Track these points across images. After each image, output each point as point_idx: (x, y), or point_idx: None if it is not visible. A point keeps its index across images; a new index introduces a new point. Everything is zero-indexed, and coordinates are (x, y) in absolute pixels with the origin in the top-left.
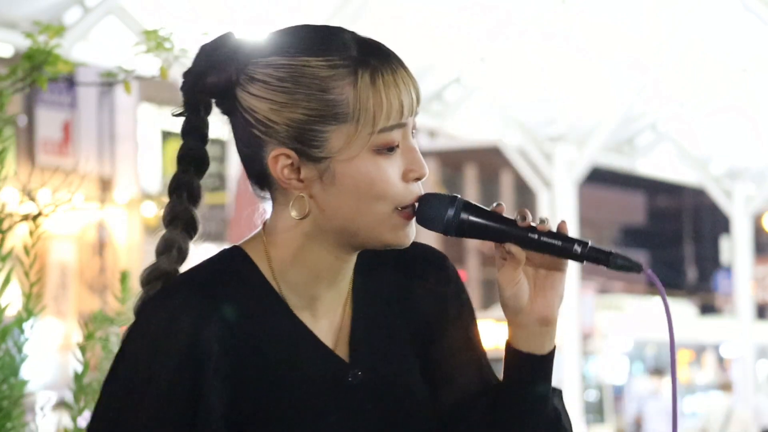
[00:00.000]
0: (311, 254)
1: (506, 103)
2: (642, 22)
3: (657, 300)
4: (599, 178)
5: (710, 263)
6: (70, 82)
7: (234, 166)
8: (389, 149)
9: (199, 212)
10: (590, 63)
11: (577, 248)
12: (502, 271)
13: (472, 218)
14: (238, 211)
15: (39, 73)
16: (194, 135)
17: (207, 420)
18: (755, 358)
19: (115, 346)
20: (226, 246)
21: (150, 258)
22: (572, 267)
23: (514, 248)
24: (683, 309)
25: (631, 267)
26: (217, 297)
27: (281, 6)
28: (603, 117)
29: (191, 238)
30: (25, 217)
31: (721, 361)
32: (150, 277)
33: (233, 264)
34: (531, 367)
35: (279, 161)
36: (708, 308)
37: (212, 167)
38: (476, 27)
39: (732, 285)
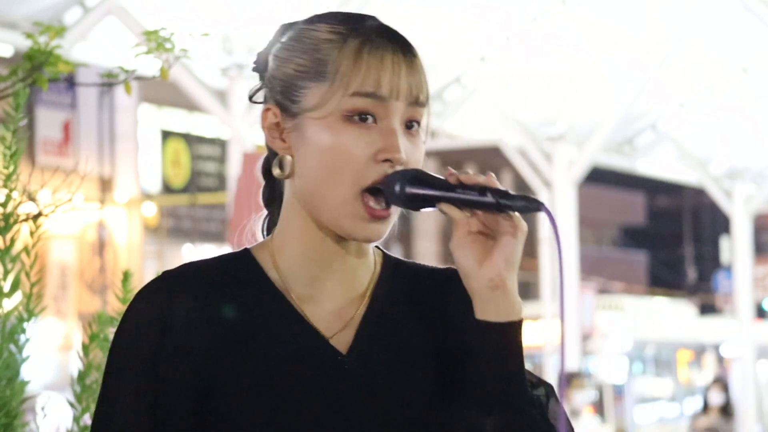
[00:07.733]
0: (297, 230)
1: (506, 103)
2: (642, 22)
3: (658, 300)
4: (599, 178)
5: (710, 263)
6: (70, 82)
7: (234, 166)
8: (359, 117)
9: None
10: (590, 63)
11: (490, 198)
12: (453, 237)
13: (413, 190)
14: (238, 211)
15: (39, 73)
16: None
17: (167, 393)
18: (755, 358)
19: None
20: (226, 246)
21: (149, 258)
22: (572, 267)
23: (446, 207)
24: (683, 309)
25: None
26: (190, 276)
27: (281, 6)
28: (603, 117)
29: None
30: (26, 218)
31: (721, 361)
32: None
33: (229, 255)
34: (485, 336)
35: (268, 116)
36: (708, 308)
37: (212, 167)
38: (476, 27)
39: (732, 285)
